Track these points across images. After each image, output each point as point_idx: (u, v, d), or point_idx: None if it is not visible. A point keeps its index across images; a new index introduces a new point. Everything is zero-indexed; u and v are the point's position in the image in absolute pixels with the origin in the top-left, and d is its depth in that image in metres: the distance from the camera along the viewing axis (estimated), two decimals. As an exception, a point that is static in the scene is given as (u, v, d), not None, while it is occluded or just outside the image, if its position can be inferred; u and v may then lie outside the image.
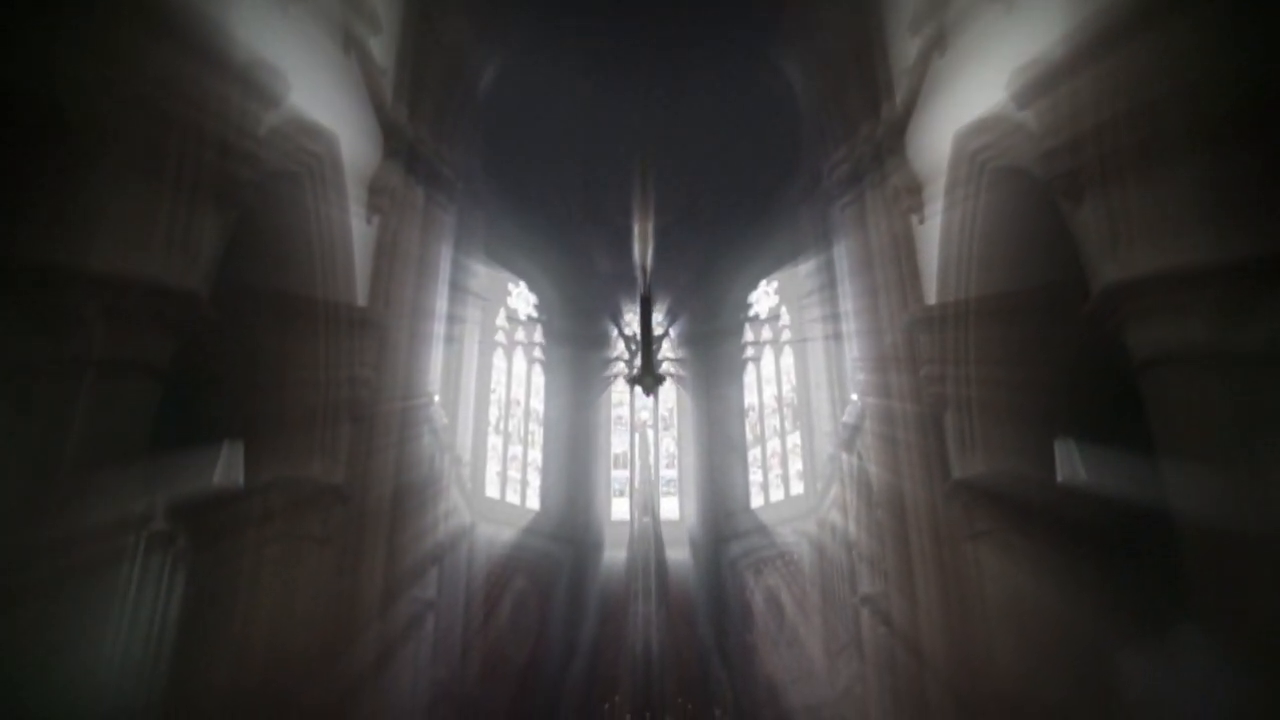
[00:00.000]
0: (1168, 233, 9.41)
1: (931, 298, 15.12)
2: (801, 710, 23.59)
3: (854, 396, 19.84)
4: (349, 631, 13.56)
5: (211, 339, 11.07)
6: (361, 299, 15.05)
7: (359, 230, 15.18)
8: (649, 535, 25.43)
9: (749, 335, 30.41)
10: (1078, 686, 13.74)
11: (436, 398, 19.60)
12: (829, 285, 23.59)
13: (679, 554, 27.39)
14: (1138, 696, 13.95)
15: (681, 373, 30.50)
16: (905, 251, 16.04)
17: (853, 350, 21.10)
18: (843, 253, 20.88)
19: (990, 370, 13.79)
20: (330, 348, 14.01)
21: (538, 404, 29.77)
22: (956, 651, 13.50)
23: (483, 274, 26.91)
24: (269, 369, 13.55)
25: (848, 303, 21.35)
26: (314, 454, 13.72)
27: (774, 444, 28.68)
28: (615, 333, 31.03)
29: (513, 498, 27.79)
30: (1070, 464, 12.45)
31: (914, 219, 16.07)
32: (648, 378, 16.32)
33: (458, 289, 23.10)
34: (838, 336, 22.99)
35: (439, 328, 20.21)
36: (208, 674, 14.61)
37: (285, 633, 12.92)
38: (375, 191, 15.77)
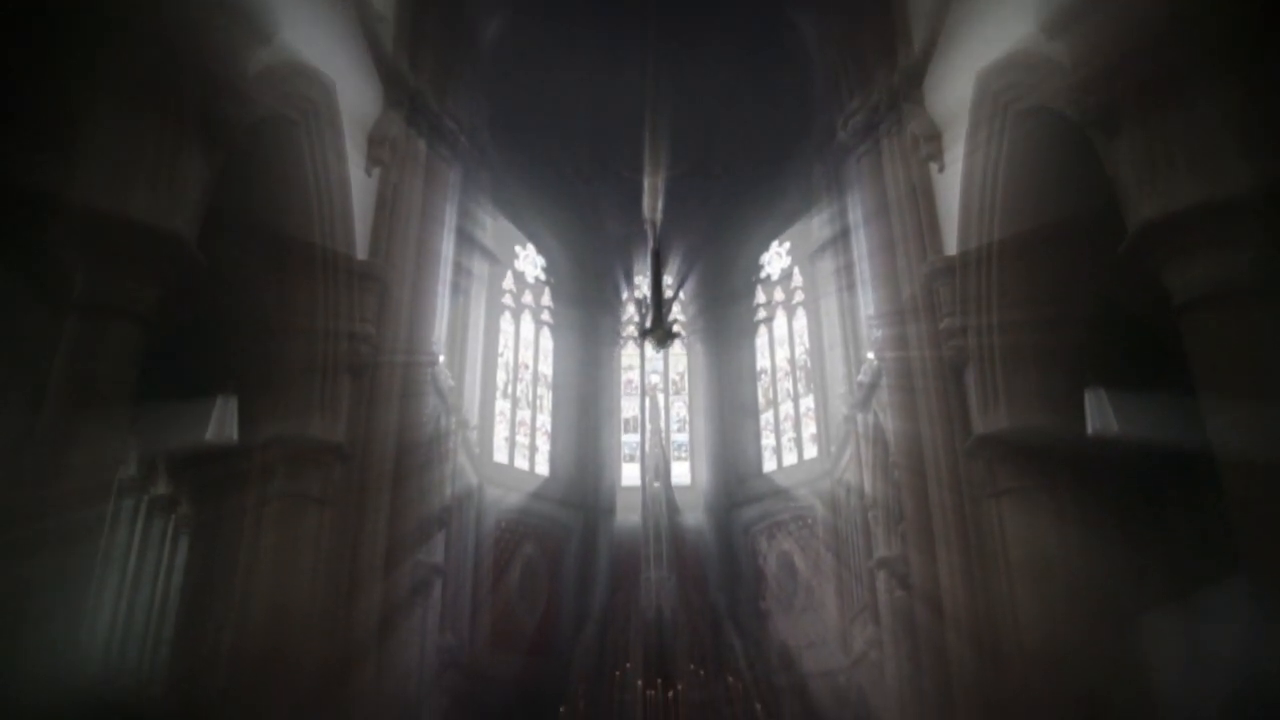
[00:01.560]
0: (1211, 164, 8.85)
1: (952, 248, 14.56)
2: (816, 676, 23.24)
3: (870, 355, 19.33)
4: (352, 594, 13.15)
5: (202, 287, 10.62)
6: (362, 252, 14.54)
7: (358, 182, 14.66)
8: (660, 500, 25.14)
9: (760, 297, 29.86)
10: (1105, 647, 13.35)
11: (442, 358, 19.14)
12: (843, 242, 23.05)
13: (691, 519, 27.06)
14: (1167, 656, 13.58)
15: (692, 332, 30.02)
16: (924, 200, 15.47)
17: (868, 308, 20.59)
18: (858, 206, 20.31)
19: (1014, 320, 13.23)
20: (329, 301, 13.51)
21: (546, 368, 29.30)
22: (979, 612, 13.03)
23: (489, 233, 26.39)
24: (265, 321, 13.08)
25: (863, 258, 20.84)
26: (313, 411, 13.25)
27: (787, 407, 28.19)
28: (625, 295, 30.57)
29: (521, 463, 27.37)
30: (1101, 415, 11.90)
31: (933, 167, 15.52)
32: (658, 333, 15.81)
33: (463, 246, 22.64)
34: (852, 294, 22.48)
35: (443, 285, 19.75)
36: (211, 638, 14.28)
37: (286, 595, 12.51)
38: (375, 142, 15.23)
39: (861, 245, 20.78)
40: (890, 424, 17.18)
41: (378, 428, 14.15)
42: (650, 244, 16.40)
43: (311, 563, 12.80)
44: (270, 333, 13.13)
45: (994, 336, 13.34)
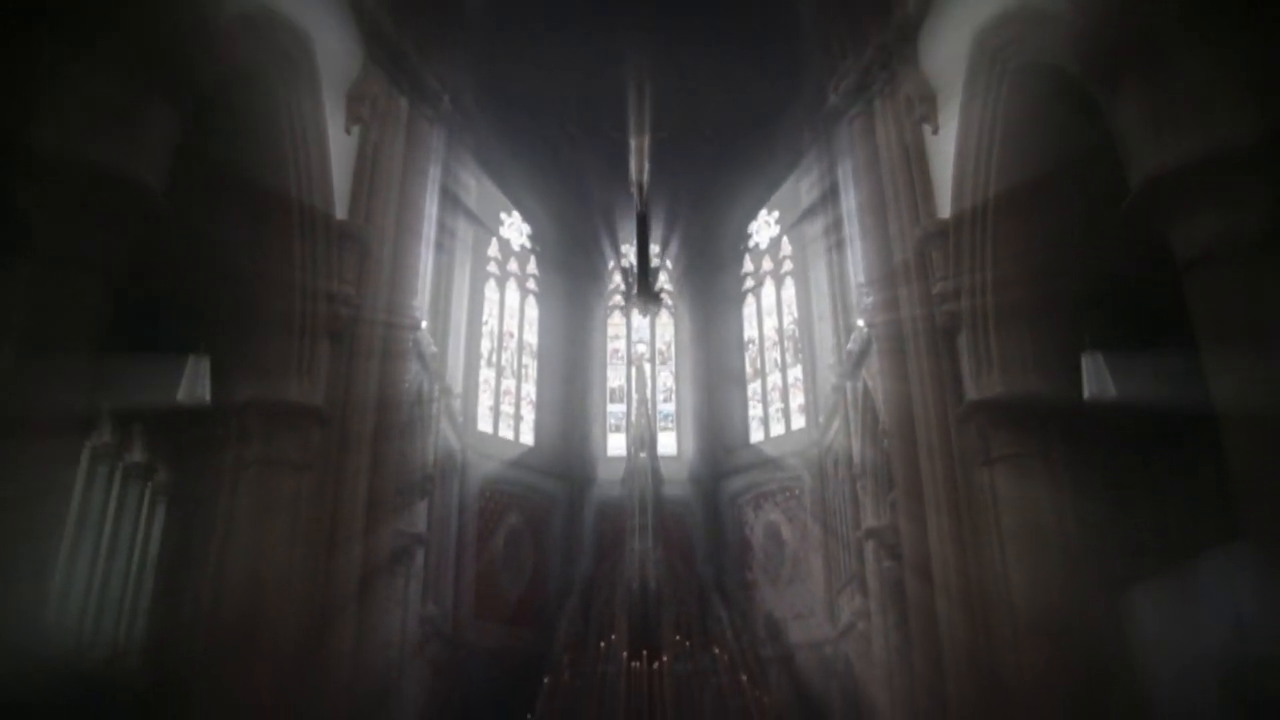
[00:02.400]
0: (1217, 117, 8.52)
1: (945, 211, 14.26)
2: (803, 647, 23.13)
3: (860, 322, 19.08)
4: (330, 561, 12.86)
5: (174, 241, 10.23)
6: (341, 212, 14.16)
7: (338, 141, 14.26)
8: (646, 471, 24.87)
9: (749, 266, 29.59)
10: (1098, 615, 13.15)
11: (424, 323, 18.78)
12: (833, 208, 22.78)
13: (677, 490, 26.80)
14: (1160, 623, 13.39)
15: (679, 301, 29.71)
16: (917, 163, 15.16)
17: (859, 275, 20.32)
18: (849, 171, 20.01)
19: (1009, 284, 12.94)
20: (307, 260, 13.13)
21: (531, 336, 29.00)
22: (970, 580, 12.81)
23: (474, 197, 25.99)
24: (240, 280, 12.69)
25: (854, 224, 20.54)
26: (291, 373, 12.91)
27: (774, 377, 27.97)
28: (612, 264, 30.24)
29: (506, 432, 27.11)
30: (1098, 378, 11.62)
31: (926, 129, 15.17)
32: (645, 298, 15.49)
33: (447, 210, 22.25)
34: (843, 262, 22.20)
35: (426, 249, 19.37)
36: (189, 607, 13.94)
37: (263, 562, 12.22)
38: (355, 100, 14.81)
39: (852, 211, 20.49)
40: (880, 392, 16.93)
41: (357, 392, 13.82)
42: (637, 207, 16.04)
43: (289, 528, 12.50)
44: (247, 292, 12.73)
45: (988, 299, 13.05)
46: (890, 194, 15.62)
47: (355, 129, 14.97)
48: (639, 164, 16.29)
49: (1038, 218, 12.57)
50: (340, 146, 14.43)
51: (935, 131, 14.97)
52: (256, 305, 12.88)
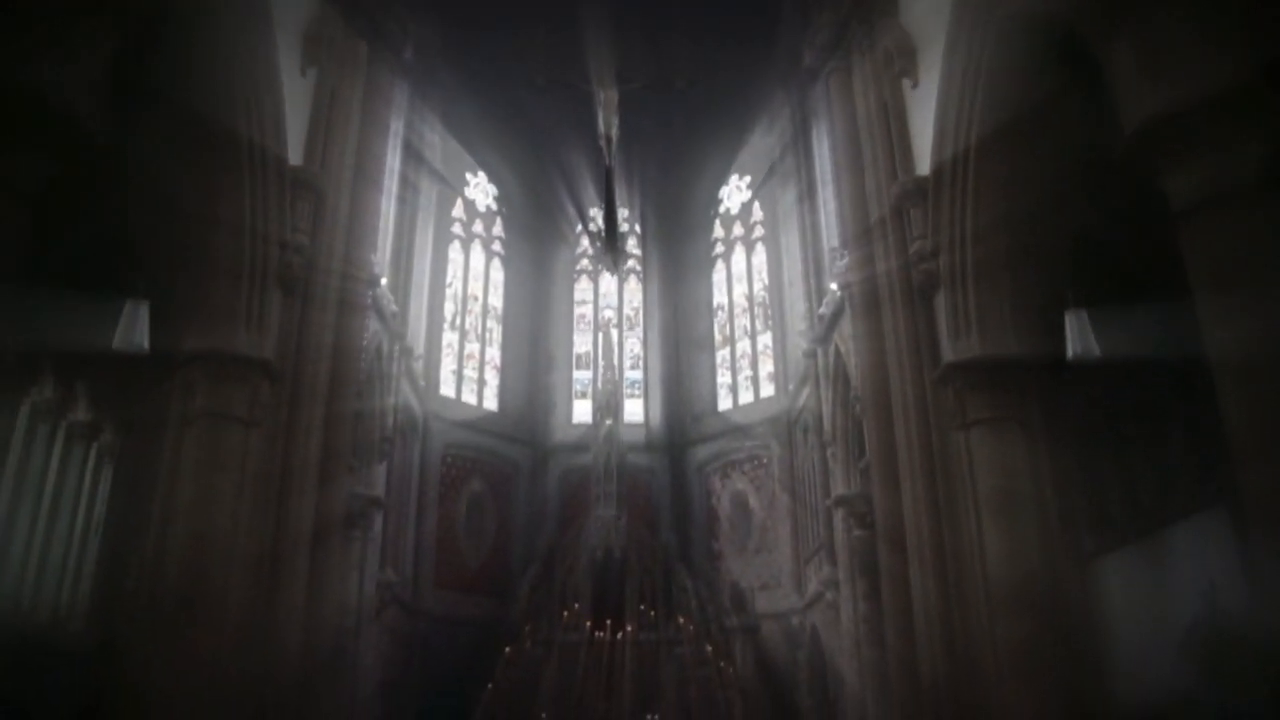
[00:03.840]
0: (1215, 58, 8.05)
1: (924, 168, 13.78)
2: (769, 617, 22.82)
3: (833, 286, 18.62)
4: (280, 522, 12.28)
5: (113, 175, 9.61)
6: (295, 158, 13.48)
7: (293, 84, 13.58)
8: (612, 438, 24.58)
9: (719, 231, 29.13)
10: (1072, 583, 12.86)
11: (384, 280, 18.13)
12: (806, 170, 22.34)
13: (643, 458, 26.53)
14: (1130, 591, 13.14)
15: (648, 267, 29.21)
16: (896, 119, 14.67)
17: (832, 239, 19.89)
18: (823, 131, 19.56)
19: (989, 239, 12.48)
20: (257, 205, 12.44)
21: (496, 300, 28.42)
22: (944, 548, 12.44)
23: (439, 155, 25.29)
24: (184, 221, 11.99)
25: (828, 186, 20.10)
26: (238, 324, 12.25)
27: (744, 344, 27.56)
28: (580, 228, 29.69)
29: (469, 397, 26.58)
30: (1082, 337, 11.21)
31: (906, 84, 14.69)
32: (612, 253, 14.97)
33: (410, 165, 21.58)
34: (815, 226, 21.76)
35: (387, 202, 18.72)
36: (133, 568, 13.34)
37: (207, 521, 11.60)
38: (311, 40, 14.11)
39: (827, 172, 20.04)
40: (854, 356, 16.52)
41: (310, 346, 13.22)
42: (605, 161, 15.48)
43: (235, 487, 11.90)
44: (192, 234, 12.05)
45: (967, 256, 12.60)
46: (868, 151, 15.15)
47: (311, 72, 14.29)
48: (607, 117, 15.73)
49: (1020, 171, 12.12)
50: (295, 90, 13.76)
51: (915, 86, 14.51)
52: (202, 249, 12.20)
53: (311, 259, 13.43)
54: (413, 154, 22.58)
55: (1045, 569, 11.85)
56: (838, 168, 16.69)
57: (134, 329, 10.74)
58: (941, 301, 13.33)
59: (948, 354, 12.96)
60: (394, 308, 19.27)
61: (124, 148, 10.28)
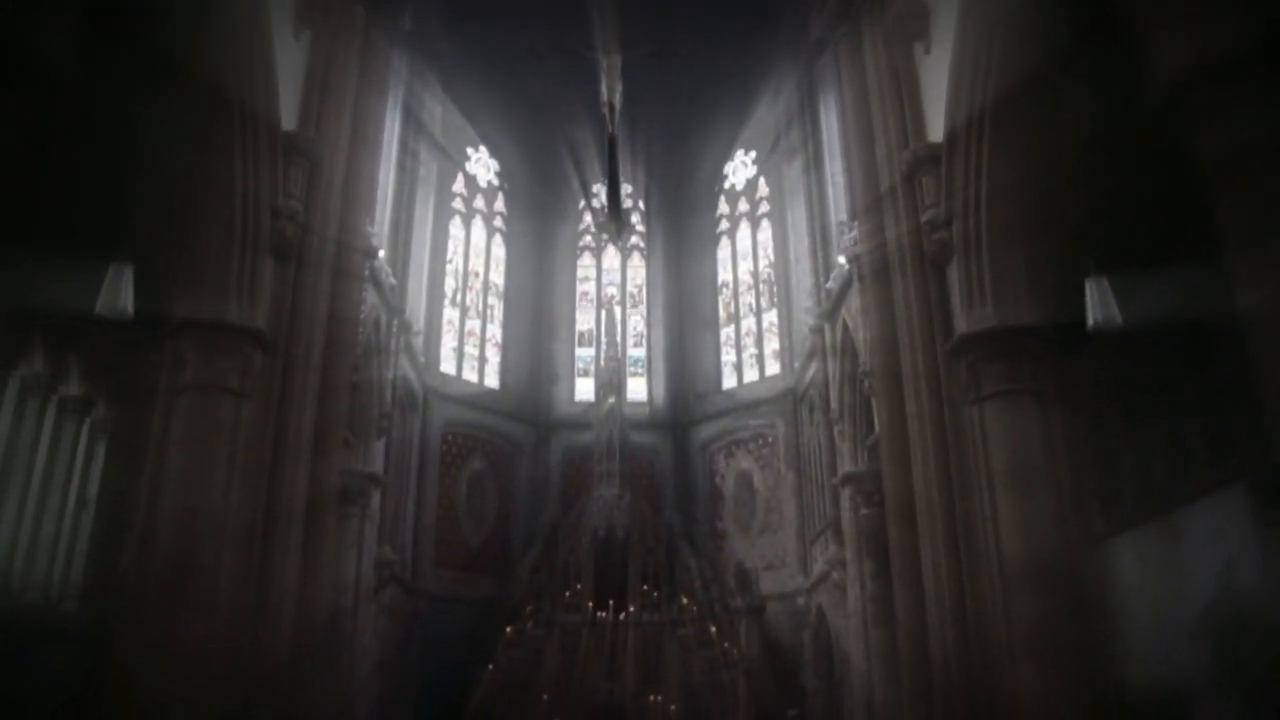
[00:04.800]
0: (1254, 6, 7.64)
1: (937, 134, 13.35)
2: (774, 598, 22.56)
3: (840, 259, 18.24)
4: (272, 496, 11.92)
5: (95, 134, 9.20)
6: (289, 123, 13.07)
7: (285, 47, 13.14)
8: (615, 417, 24.29)
9: (723, 207, 28.74)
10: (1091, 563, 12.56)
11: (382, 253, 17.75)
12: (814, 143, 21.97)
13: (646, 437, 26.25)
14: (1146, 569, 12.83)
15: (651, 244, 28.80)
16: (907, 84, 14.24)
17: (840, 212, 19.51)
18: (832, 101, 19.15)
19: (1004, 205, 12.06)
20: (248, 169, 12.00)
21: (498, 277, 28.07)
22: (956, 525, 12.07)
23: (438, 127, 24.88)
24: (173, 184, 11.58)
25: (835, 159, 19.71)
26: (229, 292, 11.83)
27: (749, 322, 27.19)
28: (583, 204, 29.32)
29: (470, 375, 26.26)
30: (1103, 305, 10.81)
31: (918, 48, 14.25)
32: (615, 224, 14.58)
33: (409, 136, 21.18)
34: (823, 200, 21.36)
35: (385, 174, 18.32)
36: (127, 546, 13.00)
37: (197, 495, 11.22)
38: (303, 1, 13.67)
39: (835, 144, 19.63)
40: (863, 331, 16.15)
41: (304, 316, 12.83)
42: (608, 129, 15.06)
43: (226, 460, 11.51)
44: (176, 197, 11.64)
45: (981, 222, 12.17)
46: (878, 119, 14.71)
47: (305, 36, 13.87)
48: (610, 84, 15.31)
49: (1036, 135, 11.67)
50: (289, 55, 13.33)
51: (927, 51, 14.07)
52: (192, 214, 11.78)
53: (306, 227, 13.03)
54: (412, 126, 22.18)
55: (1060, 546, 11.48)
56: (847, 137, 16.25)
57: (118, 294, 10.35)
58: (954, 272, 12.93)
59: (961, 325, 12.56)
60: (392, 281, 18.91)
61: (109, 106, 9.88)
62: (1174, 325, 11.99)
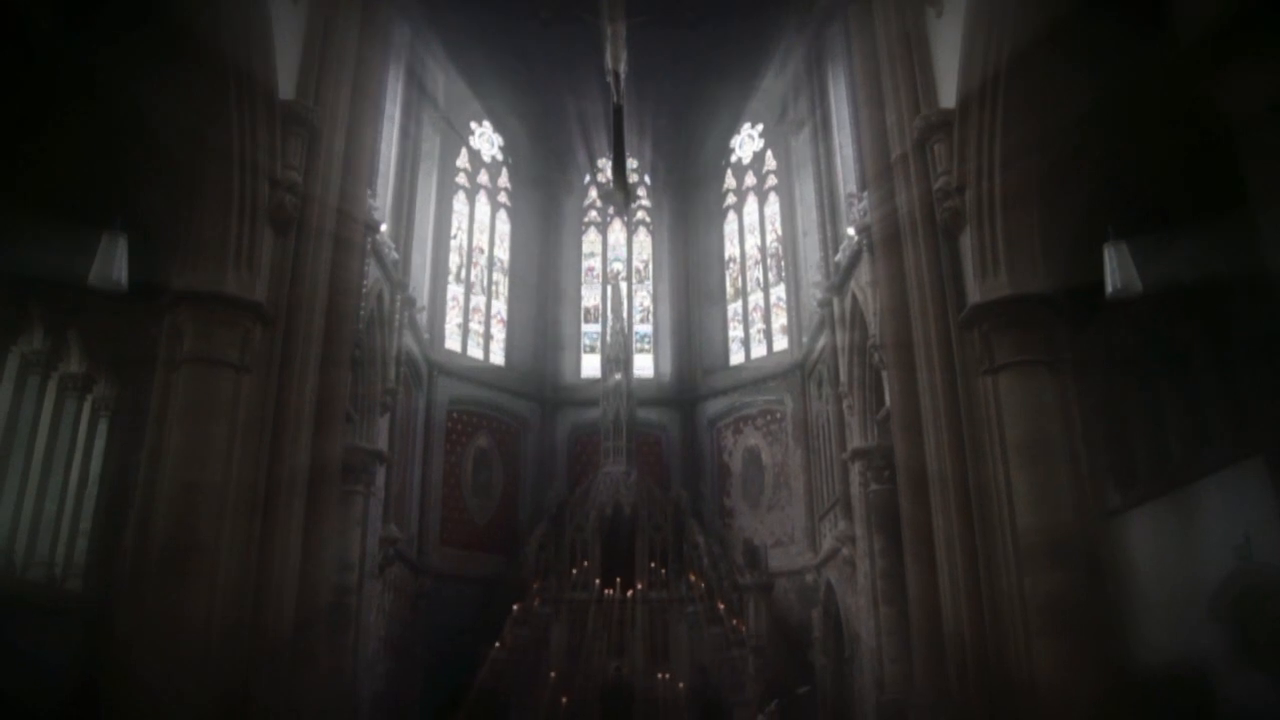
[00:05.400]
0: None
1: (949, 100, 13.03)
2: (782, 575, 22.38)
3: (850, 231, 17.97)
4: (273, 471, 11.70)
5: (88, 100, 8.94)
6: (287, 92, 12.79)
7: (282, 13, 12.82)
8: (621, 393, 24.10)
9: (730, 182, 28.43)
10: (1106, 536, 12.31)
11: (384, 227, 17.51)
12: (822, 113, 21.62)
13: (653, 413, 26.10)
14: (1167, 547, 12.59)
15: (657, 219, 28.51)
16: (918, 48, 13.91)
17: (849, 184, 19.23)
18: (840, 71, 18.87)
19: (1019, 170, 11.75)
20: (246, 138, 11.75)
21: (503, 253, 27.82)
22: (970, 498, 11.81)
23: (441, 101, 24.61)
24: (166, 152, 11.32)
25: (844, 130, 19.43)
26: (227, 264, 11.59)
27: (756, 297, 26.93)
28: (588, 179, 29.05)
29: (475, 351, 26.08)
30: (1123, 272, 10.50)
31: (930, 11, 13.92)
32: (620, 193, 14.31)
33: (411, 110, 20.91)
34: (831, 171, 21.06)
35: (387, 147, 18.08)
36: (131, 524, 12.76)
37: (197, 471, 11.02)
38: (302, -34, 13.40)
39: (844, 115, 19.35)
40: (873, 303, 15.90)
41: (304, 288, 12.57)
42: (613, 98, 14.77)
43: (226, 435, 11.31)
44: (177, 169, 11.38)
45: (995, 188, 11.85)
46: (889, 85, 14.38)
47: (303, 2, 13.57)
48: (615, 52, 14.99)
49: (1051, 97, 11.34)
50: (286, 20, 13.02)
51: (939, 14, 13.73)
52: (189, 185, 11.52)
53: (305, 198, 12.77)
54: (414, 98, 21.93)
55: (1075, 519, 11.20)
56: (856, 105, 15.98)
57: (111, 265, 10.10)
58: (967, 241, 12.62)
59: (974, 295, 12.26)
60: (395, 255, 18.67)
61: (103, 73, 9.64)
62: (1191, 293, 11.76)
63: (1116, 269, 10.42)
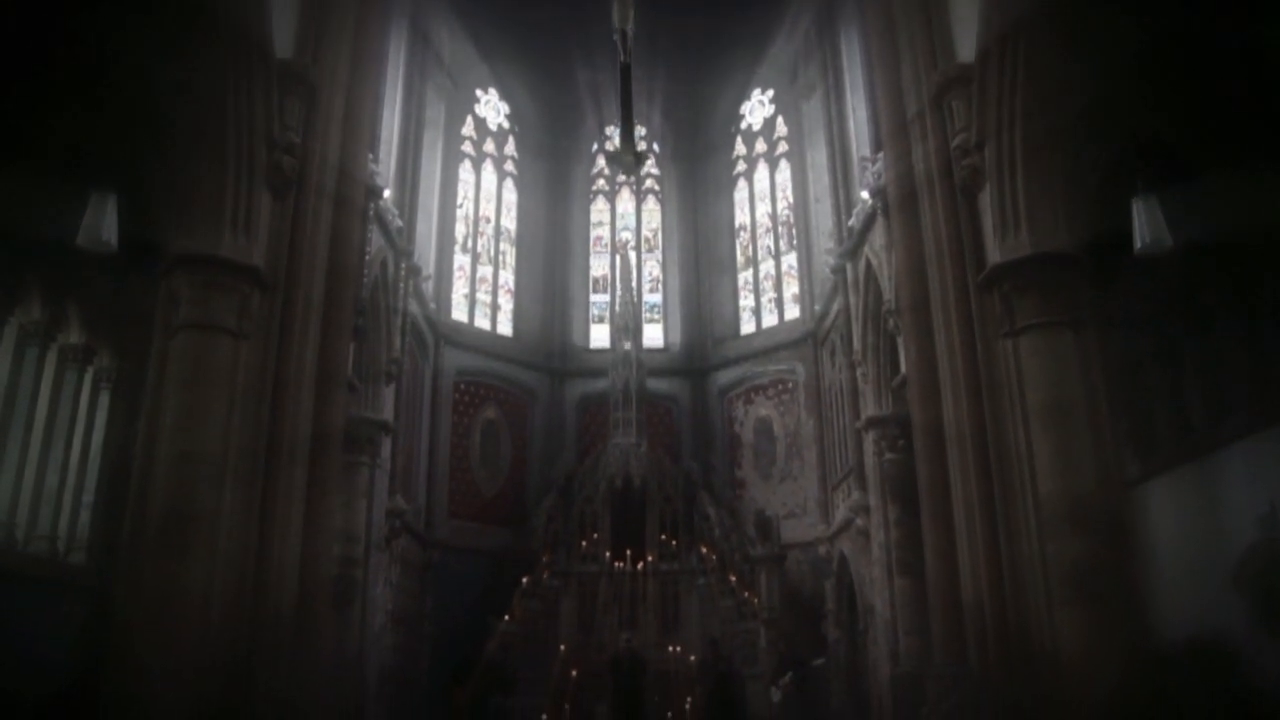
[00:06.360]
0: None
1: (968, 54, 12.59)
2: (795, 546, 22.10)
3: (864, 194, 17.59)
4: (273, 441, 11.39)
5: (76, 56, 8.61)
6: (284, 50, 12.39)
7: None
8: (630, 363, 23.80)
9: (740, 149, 28.02)
10: (1130, 506, 11.96)
11: (388, 193, 17.16)
12: (834, 76, 21.25)
13: (662, 384, 25.83)
14: (1191, 516, 12.26)
15: (666, 187, 28.09)
16: (935, 1, 13.45)
17: (862, 148, 18.84)
18: (853, 32, 18.45)
19: (1042, 122, 11.31)
20: (240, 96, 11.37)
21: (510, 222, 27.47)
22: (990, 465, 11.45)
23: (447, 66, 24.20)
24: (159, 111, 10.96)
25: (857, 92, 19.03)
26: (223, 227, 11.21)
27: (767, 265, 26.56)
28: (596, 147, 28.65)
29: (482, 322, 25.80)
30: (1152, 226, 10.10)
31: (948, -40, 13.46)
32: (627, 155, 13.89)
33: (415, 75, 20.53)
34: (843, 135, 20.67)
35: (390, 112, 17.71)
36: (125, 496, 12.48)
37: (195, 440, 10.72)
38: (298, -82, 12.96)
39: (857, 77, 18.96)
40: (887, 266, 15.54)
41: (304, 253, 12.20)
42: (620, 57, 14.33)
43: (225, 402, 10.98)
44: (164, 125, 11.02)
45: (1016, 142, 11.40)
46: (904, 39, 13.90)
47: (298, -46, 13.16)
48: (623, 10, 14.55)
49: (1077, 44, 10.89)
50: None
51: (956, -35, 13.27)
52: (183, 144, 11.16)
53: (304, 159, 12.39)
54: (418, 64, 21.53)
55: (1099, 485, 10.84)
56: (870, 62, 15.56)
57: (100, 224, 9.76)
58: (986, 200, 12.20)
59: (994, 255, 11.86)
60: (399, 223, 18.32)
61: (95, 30, 9.30)
62: (1216, 252, 11.35)
63: (1146, 223, 10.01)
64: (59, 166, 11.07)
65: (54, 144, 11.49)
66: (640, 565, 21.57)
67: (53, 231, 11.14)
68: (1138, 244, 10.20)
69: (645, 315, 26.66)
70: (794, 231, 25.69)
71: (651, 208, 28.84)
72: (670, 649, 20.14)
